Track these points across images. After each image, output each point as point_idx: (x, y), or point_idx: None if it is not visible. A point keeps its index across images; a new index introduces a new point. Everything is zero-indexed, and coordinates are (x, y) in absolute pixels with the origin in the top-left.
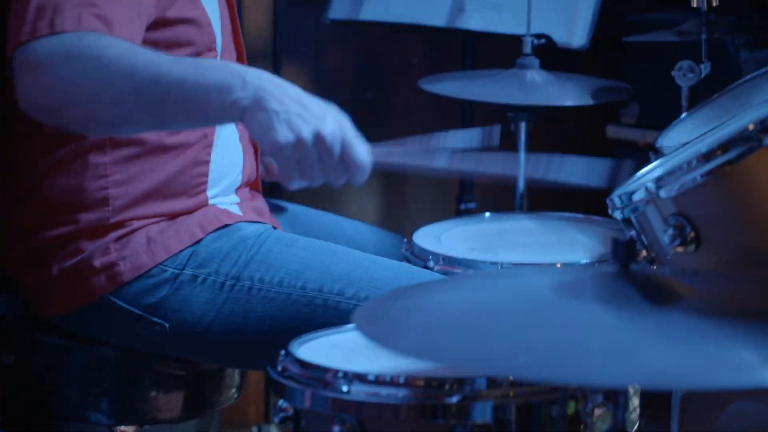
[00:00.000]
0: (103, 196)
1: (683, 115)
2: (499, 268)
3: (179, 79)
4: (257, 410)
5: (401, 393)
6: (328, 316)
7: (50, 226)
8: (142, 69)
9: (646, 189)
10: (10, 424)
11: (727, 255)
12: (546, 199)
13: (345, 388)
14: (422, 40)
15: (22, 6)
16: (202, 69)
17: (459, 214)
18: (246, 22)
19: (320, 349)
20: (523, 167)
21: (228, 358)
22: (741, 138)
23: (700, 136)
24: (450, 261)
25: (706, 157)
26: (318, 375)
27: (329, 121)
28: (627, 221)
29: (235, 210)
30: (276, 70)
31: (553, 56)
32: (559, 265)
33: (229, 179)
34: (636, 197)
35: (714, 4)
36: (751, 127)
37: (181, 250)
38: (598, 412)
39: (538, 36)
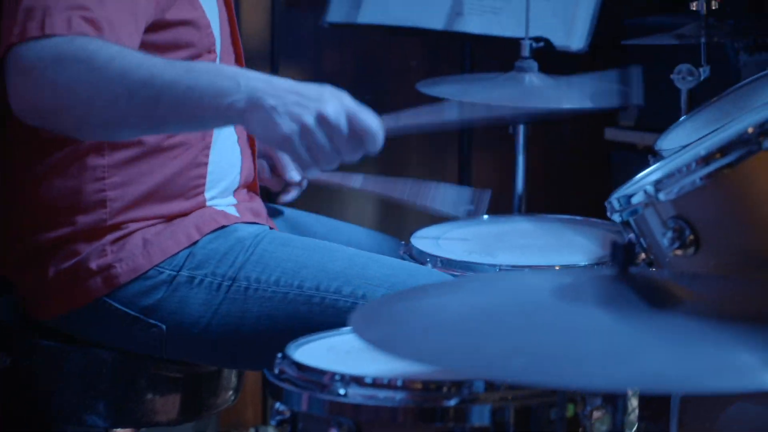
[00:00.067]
0: (101, 199)
1: (682, 118)
2: (497, 270)
3: (172, 82)
4: (255, 412)
5: (399, 396)
6: (326, 314)
7: (47, 228)
8: (134, 71)
9: (645, 192)
10: (6, 427)
11: (727, 258)
12: (544, 202)
13: (342, 391)
14: (420, 43)
15: (11, 7)
16: (195, 72)
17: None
18: (244, 25)
19: (317, 351)
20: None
21: (225, 359)
22: (740, 141)
23: (699, 139)
24: (448, 263)
25: (706, 160)
26: (315, 378)
27: (328, 99)
28: (626, 224)
29: (232, 211)
30: (274, 73)
31: (551, 59)
32: (557, 268)
33: (227, 181)
34: (635, 200)
35: (713, 8)
36: (750, 130)
37: (178, 252)
38: (596, 414)
39: (537, 39)
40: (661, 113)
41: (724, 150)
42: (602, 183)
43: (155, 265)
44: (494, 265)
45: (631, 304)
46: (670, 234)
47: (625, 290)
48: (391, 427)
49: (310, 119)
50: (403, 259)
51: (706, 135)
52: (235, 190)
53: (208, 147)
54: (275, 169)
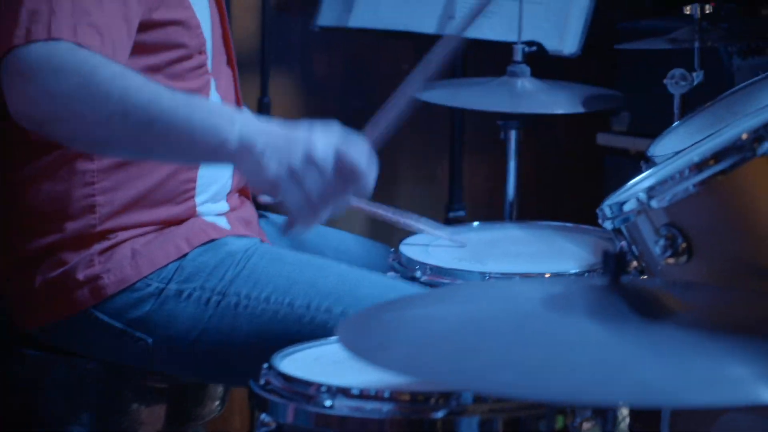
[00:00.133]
0: (90, 204)
1: (675, 123)
2: (487, 278)
3: (168, 111)
4: (242, 421)
5: (386, 408)
6: (316, 334)
7: (35, 235)
8: (133, 94)
9: (638, 199)
10: None
11: (720, 266)
12: (536, 208)
13: (328, 403)
14: (412, 47)
15: (12, 9)
16: (193, 107)
17: (448, 222)
18: (234, 28)
19: (304, 362)
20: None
21: (213, 375)
22: (734, 148)
23: (692, 145)
24: (438, 271)
25: (699, 166)
26: (301, 389)
27: (317, 139)
28: (617, 231)
29: (223, 222)
30: (264, 77)
31: (544, 64)
32: (548, 275)
33: (218, 185)
34: (627, 207)
35: (707, 12)
36: (744, 136)
37: (167, 264)
38: (586, 426)
39: (530, 43)
40: (654, 118)
41: (717, 156)
42: (595, 188)
43: (143, 277)
44: (484, 273)
45: (622, 314)
46: (662, 242)
47: (617, 300)
48: None
49: (297, 161)
50: (392, 266)
51: (700, 141)
52: (228, 194)
53: None
54: None
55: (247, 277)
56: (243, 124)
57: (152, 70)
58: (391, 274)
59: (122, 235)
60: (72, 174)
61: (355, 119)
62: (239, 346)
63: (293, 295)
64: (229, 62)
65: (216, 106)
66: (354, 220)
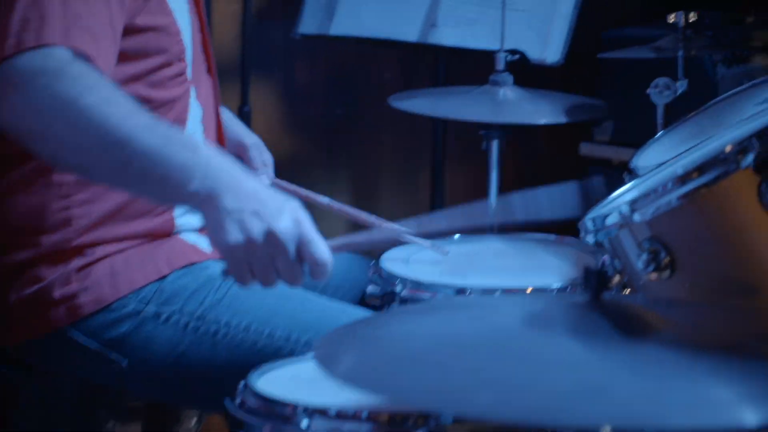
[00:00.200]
0: (66, 217)
1: (659, 133)
2: (468, 293)
3: (146, 151)
4: None
5: (364, 428)
6: None
7: (11, 250)
8: (112, 128)
9: (620, 213)
10: None
11: (703, 281)
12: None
13: (305, 424)
14: (395, 55)
15: (3, 19)
16: (171, 145)
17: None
18: (214, 36)
19: (281, 380)
20: (493, 214)
21: (188, 399)
22: (718, 160)
23: (675, 156)
24: (418, 285)
25: (682, 179)
26: (277, 409)
27: (284, 218)
28: (599, 245)
29: (204, 243)
30: (244, 85)
31: (527, 72)
32: (530, 290)
33: None
34: (609, 221)
35: (691, 20)
36: (728, 148)
37: (145, 285)
38: None
39: (512, 52)
40: (637, 128)
41: (701, 169)
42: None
43: (121, 297)
44: (464, 288)
45: (603, 333)
46: (645, 256)
47: (598, 319)
48: None
49: (258, 234)
50: (372, 280)
51: (683, 152)
52: None
53: None
54: None
55: (227, 304)
56: (215, 177)
57: (133, 79)
58: (371, 287)
59: (100, 251)
60: (48, 186)
61: (337, 128)
62: (216, 373)
63: (273, 326)
64: (208, 70)
65: (193, 150)
66: (335, 228)
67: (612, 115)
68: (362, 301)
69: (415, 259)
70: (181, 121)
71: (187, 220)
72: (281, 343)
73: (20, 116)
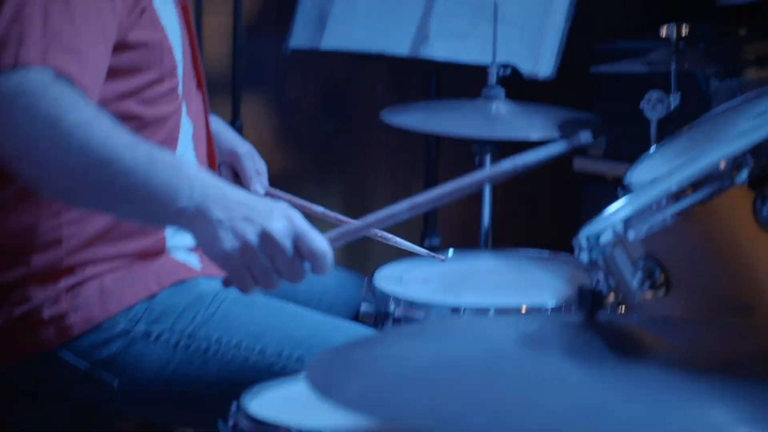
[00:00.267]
0: (57, 237)
1: (652, 148)
2: (462, 311)
3: (129, 171)
4: None
5: None
6: None
7: (0, 269)
8: (95, 149)
9: (614, 231)
10: None
11: (699, 299)
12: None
13: None
14: (386, 68)
15: None
16: (155, 165)
17: None
18: (205, 51)
19: (274, 401)
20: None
21: (180, 418)
22: (712, 177)
23: (669, 171)
24: (411, 305)
25: (676, 196)
26: None
27: (276, 217)
28: (594, 263)
29: (194, 260)
30: (236, 100)
31: (519, 86)
32: (524, 309)
33: None
34: (603, 239)
35: (683, 33)
36: (722, 165)
37: (135, 303)
38: None
39: (504, 66)
40: (630, 142)
41: (695, 186)
42: (572, 215)
43: (111, 316)
44: (458, 307)
45: (599, 353)
46: (640, 274)
47: (593, 339)
48: None
49: (252, 236)
50: (365, 298)
51: (677, 167)
52: None
53: None
54: (238, 181)
55: (218, 321)
56: (203, 187)
57: (125, 96)
58: (365, 305)
59: (90, 270)
60: (38, 205)
61: (329, 142)
62: (208, 390)
63: (265, 343)
64: (198, 85)
65: (176, 168)
66: None
67: (605, 129)
68: (356, 318)
69: (409, 277)
70: (172, 138)
71: (178, 240)
72: (273, 360)
73: (3, 138)
